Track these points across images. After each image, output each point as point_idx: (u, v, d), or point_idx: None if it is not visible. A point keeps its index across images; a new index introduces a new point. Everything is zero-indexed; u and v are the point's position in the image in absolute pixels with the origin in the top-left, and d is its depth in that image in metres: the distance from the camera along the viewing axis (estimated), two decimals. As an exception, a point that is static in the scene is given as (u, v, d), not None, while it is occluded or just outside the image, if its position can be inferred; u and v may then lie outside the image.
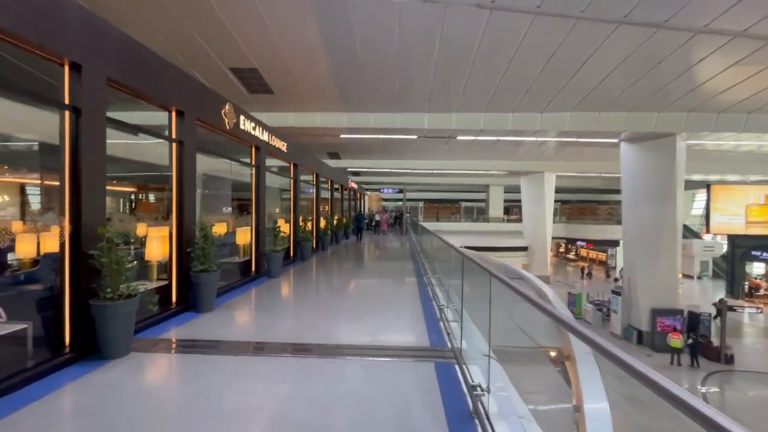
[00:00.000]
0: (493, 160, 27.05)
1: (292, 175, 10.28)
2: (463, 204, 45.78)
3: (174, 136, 4.98)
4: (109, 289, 3.54)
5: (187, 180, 5.09)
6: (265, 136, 7.87)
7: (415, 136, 17.49)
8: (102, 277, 3.54)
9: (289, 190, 10.49)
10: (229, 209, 19.58)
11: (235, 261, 7.27)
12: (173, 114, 4.96)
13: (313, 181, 13.11)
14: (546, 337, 7.65)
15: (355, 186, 24.26)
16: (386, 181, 35.67)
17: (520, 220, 40.84)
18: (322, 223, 13.47)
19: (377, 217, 21.84)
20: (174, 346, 4.01)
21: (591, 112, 14.52)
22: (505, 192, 38.46)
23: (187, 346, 4.00)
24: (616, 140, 18.19)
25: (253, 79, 12.44)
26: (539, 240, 28.41)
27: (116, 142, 4.38)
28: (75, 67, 3.45)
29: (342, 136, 17.43)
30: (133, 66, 4.15)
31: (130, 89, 4.20)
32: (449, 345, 4.08)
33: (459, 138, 17.48)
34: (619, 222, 25.97)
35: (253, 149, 7.60)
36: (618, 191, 21.15)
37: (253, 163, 7.62)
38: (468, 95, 13.20)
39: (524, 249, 29.83)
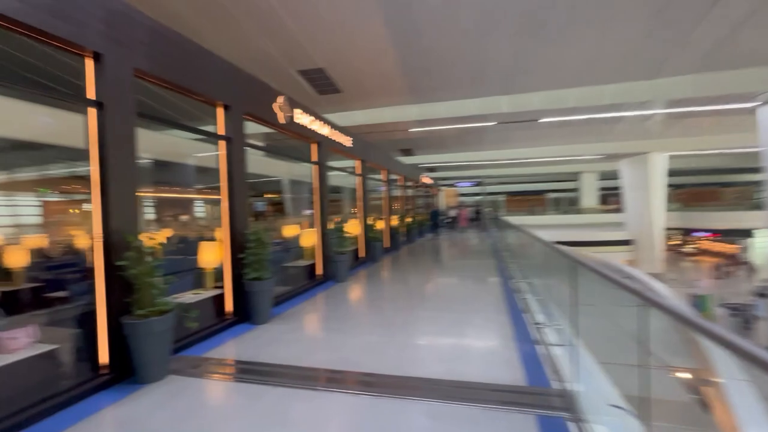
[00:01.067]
0: (585, 143, 23.98)
1: (358, 172, 9.68)
2: (550, 195, 41.71)
3: (223, 133, 4.56)
4: (140, 305, 3.11)
5: (237, 180, 4.65)
6: (325, 131, 7.33)
7: (492, 123, 15.91)
8: (134, 291, 3.13)
9: (358, 187, 9.91)
10: (310, 211, 20.01)
11: (299, 265, 6.82)
12: (220, 109, 4.54)
13: (383, 177, 12.42)
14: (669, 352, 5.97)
15: (429, 182, 23.21)
16: (463, 175, 33.93)
17: (619, 210, 35.97)
18: (394, 221, 12.72)
19: (454, 213, 20.34)
20: (213, 368, 3.50)
21: (719, 72, 11.66)
22: (600, 179, 34.13)
23: (226, 371, 3.46)
24: (751, 105, 14.57)
25: (320, 79, 12.21)
26: (646, 232, 24.40)
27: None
28: (96, 58, 3.08)
29: (411, 130, 16.56)
30: (167, 57, 3.74)
31: (166, 82, 3.80)
32: (556, 385, 2.98)
33: (543, 120, 15.49)
34: (755, 207, 21.10)
35: (314, 145, 7.10)
36: (749, 170, 17.02)
37: (314, 159, 7.12)
38: (552, 68, 11.41)
39: (627, 243, 25.94)
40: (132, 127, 3.33)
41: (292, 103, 6.07)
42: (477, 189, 39.07)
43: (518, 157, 25.64)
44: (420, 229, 17.32)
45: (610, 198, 39.33)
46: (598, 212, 33.76)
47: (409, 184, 18.15)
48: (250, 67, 11.02)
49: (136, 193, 3.34)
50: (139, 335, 3.07)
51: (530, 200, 41.93)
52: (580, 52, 10.45)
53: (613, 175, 35.50)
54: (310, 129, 6.72)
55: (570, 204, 39.06)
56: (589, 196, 34.07)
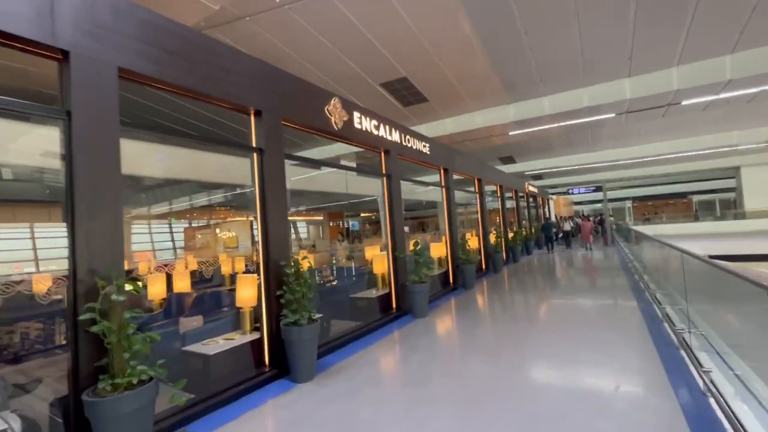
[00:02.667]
0: (744, 128, 18.58)
1: (442, 183, 8.28)
2: (696, 197, 33.57)
3: (254, 144, 3.77)
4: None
5: (272, 199, 3.76)
6: (394, 137, 6.21)
7: (611, 115, 13.02)
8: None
9: (443, 200, 8.51)
10: (406, 228, 19.11)
11: (368, 296, 5.71)
12: (251, 115, 3.76)
13: (474, 188, 10.73)
14: None
15: (534, 190, 20.37)
16: (575, 181, 29.58)
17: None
18: (492, 238, 10.83)
19: (567, 226, 17.13)
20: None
21: None
22: (769, 173, 26.30)
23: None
24: None
25: (404, 89, 11.38)
26: None
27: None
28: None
29: (511, 133, 14.53)
30: (173, 53, 3.05)
31: (177, 87, 3.11)
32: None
33: (685, 103, 12.06)
34: None
35: (382, 154, 6.03)
36: None
37: (383, 171, 6.04)
38: (699, 31, 8.56)
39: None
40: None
41: (349, 106, 5.12)
42: (594, 195, 33.62)
43: (647, 154, 21.07)
44: (526, 246, 14.88)
45: (788, 197, 30.12)
46: (771, 216, 25.91)
47: (509, 194, 15.92)
48: (333, 87, 10.84)
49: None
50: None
51: (667, 205, 34.46)
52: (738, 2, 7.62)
53: (789, 167, 27.08)
54: (374, 135, 5.71)
55: (725, 207, 30.94)
56: (756, 196, 26.41)
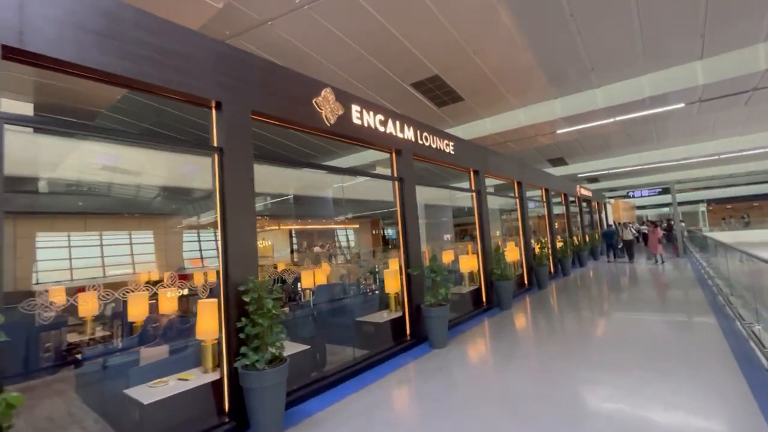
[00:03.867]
0: None
1: (473, 186, 7.17)
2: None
3: (215, 144, 3.07)
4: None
5: (235, 207, 3.03)
6: (407, 134, 5.30)
7: (680, 105, 11.10)
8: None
9: (474, 206, 7.39)
10: (449, 236, 17.92)
11: (376, 321, 4.80)
12: (211, 109, 3.08)
13: (514, 192, 9.40)
14: None
15: (588, 194, 18.23)
16: (637, 183, 26.49)
17: None
18: (536, 248, 9.40)
19: (629, 234, 14.22)
20: None
21: None
22: None
23: None
24: None
25: (436, 89, 10.48)
26: None
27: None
28: None
29: (559, 131, 12.98)
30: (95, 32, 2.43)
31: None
32: None
33: (779, 85, 9.90)
34: None
35: (393, 154, 5.14)
36: None
37: (394, 174, 5.13)
38: None
39: None
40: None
41: (345, 98, 4.29)
42: (661, 199, 29.88)
43: (724, 150, 18.07)
44: (578, 256, 13.07)
45: None
46: None
47: (558, 199, 14.19)
48: (362, 91, 10.21)
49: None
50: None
51: (751, 208, 29.68)
52: None
53: None
54: (380, 132, 4.86)
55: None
56: None
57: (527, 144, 14.64)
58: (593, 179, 25.41)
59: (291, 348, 3.57)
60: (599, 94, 10.58)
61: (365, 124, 4.63)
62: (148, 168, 8.42)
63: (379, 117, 4.91)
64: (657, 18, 7.43)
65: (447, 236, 16.88)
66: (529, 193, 12.25)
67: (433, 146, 6.06)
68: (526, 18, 7.28)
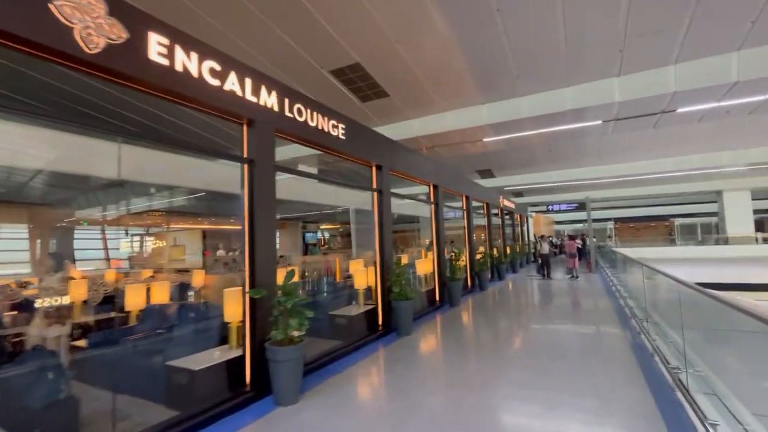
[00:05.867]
0: (734, 149, 17.02)
1: (374, 185, 5.90)
2: (678, 221, 32.03)
3: None
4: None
5: None
6: (268, 99, 3.82)
7: (597, 122, 11.11)
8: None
9: (378, 212, 6.06)
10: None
11: (200, 366, 3.33)
12: None
13: (430, 197, 8.42)
14: None
15: (511, 206, 18.28)
16: (557, 200, 27.79)
17: (786, 240, 25.65)
18: (458, 261, 8.52)
19: (546, 248, 13.44)
20: None
21: None
22: (754, 199, 24.84)
23: None
24: None
25: (358, 79, 9.32)
26: None
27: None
28: None
29: (486, 139, 12.52)
30: None
31: None
32: None
33: (681, 110, 10.20)
34: None
35: (244, 127, 3.70)
36: None
37: (244, 155, 3.69)
38: (704, 18, 6.80)
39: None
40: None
41: (135, 18, 2.73)
42: (577, 215, 31.86)
43: (631, 173, 19.31)
44: (497, 269, 12.61)
45: (769, 223, 28.81)
46: (755, 242, 24.39)
47: (480, 209, 13.73)
48: (277, 74, 8.72)
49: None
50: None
51: (648, 228, 32.88)
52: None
53: (771, 194, 25.81)
54: (210, 85, 3.25)
55: (706, 232, 29.42)
56: (738, 222, 24.88)
57: (456, 151, 14.09)
58: (518, 193, 26.15)
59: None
60: (525, 103, 10.20)
61: (179, 69, 2.98)
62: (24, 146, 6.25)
63: (211, 64, 3.27)
64: (581, 28, 7.06)
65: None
66: (452, 203, 11.62)
67: (312, 124, 4.46)
68: (452, 8, 6.46)
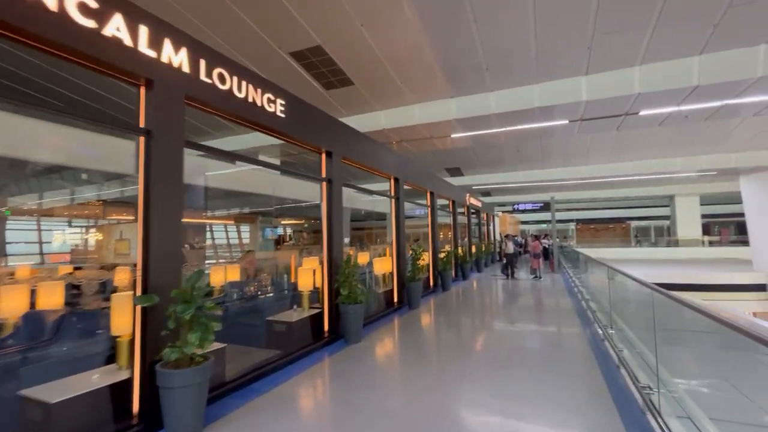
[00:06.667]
0: (688, 155, 17.65)
1: (324, 173, 5.18)
2: (634, 223, 33.38)
3: None
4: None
5: None
6: (174, 56, 3.03)
7: (564, 121, 10.99)
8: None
9: (323, 201, 5.28)
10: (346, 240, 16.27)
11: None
12: None
13: (390, 189, 7.84)
14: None
15: (477, 204, 18.12)
16: (523, 200, 28.15)
17: (728, 243, 27.33)
18: (421, 260, 8.00)
19: (510, 247, 12.74)
20: None
21: None
22: (702, 204, 26.19)
23: None
24: None
25: (320, 64, 8.64)
26: (791, 274, 16.77)
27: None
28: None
29: (454, 135, 12.16)
30: None
31: None
32: None
33: (643, 113, 10.22)
34: None
35: (141, 93, 2.92)
36: None
37: (141, 125, 2.89)
38: (669, 21, 6.69)
39: (757, 288, 18.27)
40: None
41: None
42: (542, 216, 32.51)
43: (593, 175, 19.71)
44: (462, 268, 12.30)
45: (715, 227, 30.57)
46: (702, 245, 25.72)
47: (446, 206, 13.35)
48: (234, 56, 7.85)
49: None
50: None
51: (607, 229, 34.10)
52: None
53: (716, 199, 27.33)
54: (86, 29, 2.46)
55: (659, 235, 30.83)
56: (689, 225, 26.16)
57: (425, 147, 13.67)
58: (486, 193, 26.25)
59: None
60: (493, 98, 9.88)
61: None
62: None
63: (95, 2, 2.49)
64: (551, 23, 6.76)
65: (346, 240, 15.32)
66: (419, 200, 11.16)
67: (239, 95, 3.60)
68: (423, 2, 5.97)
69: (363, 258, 8.24)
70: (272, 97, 3.99)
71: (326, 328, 4.82)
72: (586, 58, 8.18)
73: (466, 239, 15.44)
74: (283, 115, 4.08)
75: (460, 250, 12.23)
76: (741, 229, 27.76)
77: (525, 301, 8.97)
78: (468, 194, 15.62)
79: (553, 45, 7.57)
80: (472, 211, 16.50)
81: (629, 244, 29.64)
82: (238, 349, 4.28)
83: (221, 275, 5.27)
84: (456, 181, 20.55)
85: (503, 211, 31.25)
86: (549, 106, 9.48)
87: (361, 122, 11.24)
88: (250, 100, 3.76)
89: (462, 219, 15.50)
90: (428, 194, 10.27)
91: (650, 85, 8.51)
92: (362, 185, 8.67)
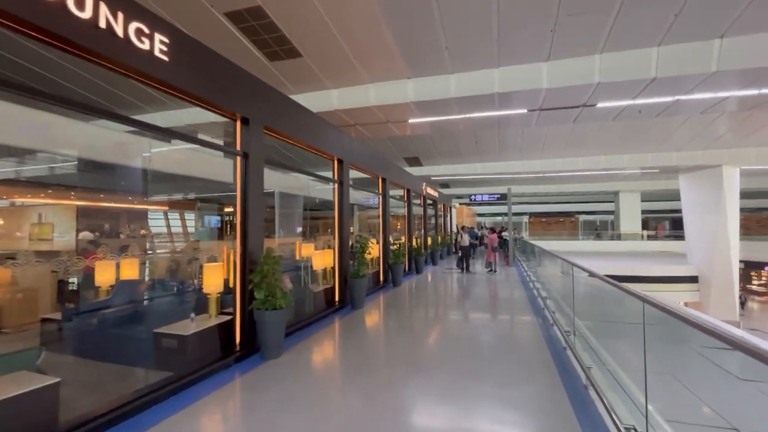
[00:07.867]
0: (635, 152, 18.19)
1: (237, 145, 4.03)
2: (582, 217, 34.81)
3: None
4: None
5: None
6: None
7: (523, 111, 10.53)
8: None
9: (240, 188, 4.18)
10: (300, 230, 14.98)
11: None
12: None
13: (333, 172, 6.81)
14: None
15: (434, 194, 17.60)
16: (480, 192, 28.24)
17: (663, 237, 29.19)
18: (370, 254, 7.12)
19: (466, 240, 12.10)
20: None
21: None
22: (642, 200, 27.60)
23: None
24: None
25: (262, 29, 7.45)
26: (719, 267, 17.90)
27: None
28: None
29: (411, 121, 11.37)
30: None
31: None
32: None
33: (601, 105, 9.96)
34: None
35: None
36: None
37: None
38: (630, 12, 6.28)
39: (690, 280, 19.42)
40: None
41: None
42: (497, 208, 32.96)
43: (547, 169, 19.91)
44: (415, 261, 11.64)
45: (652, 222, 32.56)
46: (642, 239, 27.18)
47: (400, 194, 12.61)
48: (160, 13, 6.28)
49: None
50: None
51: (558, 223, 35.35)
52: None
53: (655, 196, 28.97)
54: None
55: (604, 228, 32.36)
56: (630, 220, 27.52)
57: (381, 132, 12.77)
58: (445, 184, 25.98)
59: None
60: (452, 81, 9.17)
61: None
62: None
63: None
64: (514, 6, 6.08)
65: (299, 229, 14.15)
66: (371, 189, 10.30)
67: (81, 14, 2.41)
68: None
69: (307, 250, 7.28)
70: (147, 31, 2.80)
71: (238, 340, 3.87)
72: (549, 42, 7.66)
73: (422, 231, 14.85)
74: (165, 58, 2.94)
75: (414, 242, 11.56)
76: (675, 224, 29.72)
77: (481, 295, 8.47)
78: (425, 183, 14.96)
79: (516, 24, 6.94)
80: (429, 201, 15.92)
81: (577, 237, 30.87)
82: (117, 371, 3.23)
83: (111, 272, 4.12)
84: (415, 171, 19.95)
85: (461, 203, 31.27)
86: (509, 92, 8.94)
87: (311, 101, 10.14)
88: (102, 25, 2.54)
89: (417, 210, 14.87)
90: (380, 180, 9.42)
91: (610, 74, 8.19)
92: (320, 173, 7.59)
